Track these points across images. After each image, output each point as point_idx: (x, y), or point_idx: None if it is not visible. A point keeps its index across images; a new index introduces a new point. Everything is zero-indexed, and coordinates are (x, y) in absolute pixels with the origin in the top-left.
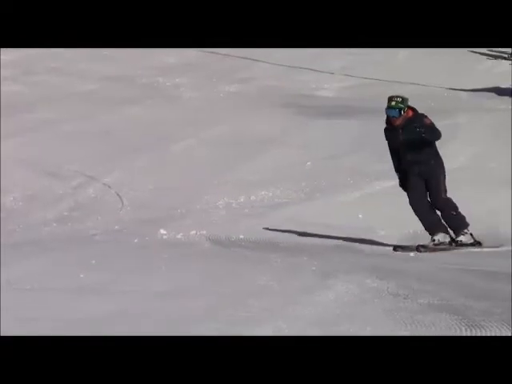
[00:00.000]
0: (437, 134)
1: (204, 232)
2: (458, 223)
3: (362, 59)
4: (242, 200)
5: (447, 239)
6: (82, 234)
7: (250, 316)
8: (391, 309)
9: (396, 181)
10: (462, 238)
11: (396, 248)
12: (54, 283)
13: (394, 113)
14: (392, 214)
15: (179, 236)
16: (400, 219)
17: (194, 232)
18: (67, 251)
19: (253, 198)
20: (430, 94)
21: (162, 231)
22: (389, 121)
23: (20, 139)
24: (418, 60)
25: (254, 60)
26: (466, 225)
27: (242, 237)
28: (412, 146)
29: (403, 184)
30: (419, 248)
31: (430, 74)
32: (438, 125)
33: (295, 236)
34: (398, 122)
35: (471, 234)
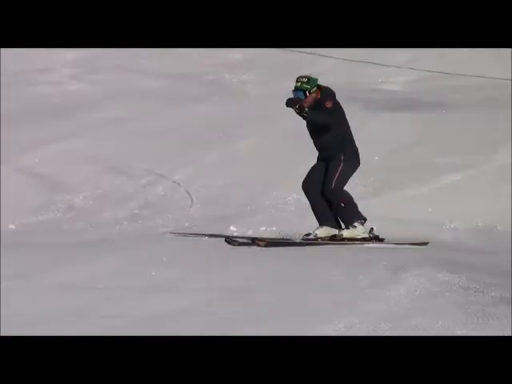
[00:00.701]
0: (319, 119)
1: (274, 228)
2: (346, 216)
3: (426, 52)
4: None
5: (333, 233)
6: (152, 231)
7: (322, 311)
8: (462, 302)
9: (464, 173)
10: (344, 232)
11: (230, 240)
12: (126, 281)
13: (299, 94)
14: (461, 207)
15: (249, 232)
16: (470, 212)
17: (263, 228)
18: (138, 249)
19: None
20: (495, 86)
21: (232, 228)
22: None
23: (87, 138)
24: (483, 51)
25: (319, 55)
26: (356, 218)
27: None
28: (316, 129)
29: None
30: (256, 241)
31: (494, 66)
32: (503, 116)
33: None
34: (307, 103)
35: (372, 229)
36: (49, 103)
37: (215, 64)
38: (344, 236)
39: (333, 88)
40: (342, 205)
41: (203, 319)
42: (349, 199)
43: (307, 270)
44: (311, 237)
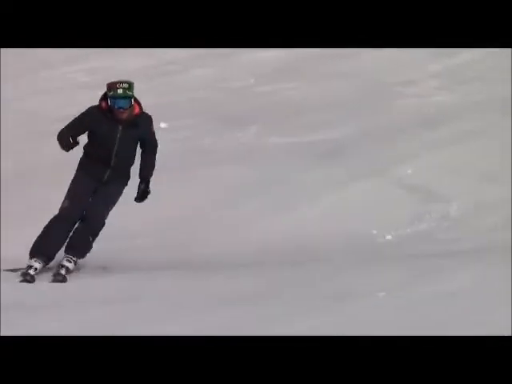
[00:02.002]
0: (155, 152)
1: None
2: (84, 250)
3: None
4: None
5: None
6: None
7: None
8: None
9: None
10: (70, 265)
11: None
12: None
13: (124, 103)
14: None
15: None
16: None
17: None
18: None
19: None
20: None
21: None
22: (109, 109)
23: (456, 148)
24: None
25: None
26: (80, 254)
27: None
28: (123, 151)
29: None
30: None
31: None
32: None
33: None
34: (125, 115)
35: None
36: (418, 115)
37: None
38: (71, 270)
39: None
40: (91, 238)
41: None
42: (96, 235)
43: None
44: (62, 273)
